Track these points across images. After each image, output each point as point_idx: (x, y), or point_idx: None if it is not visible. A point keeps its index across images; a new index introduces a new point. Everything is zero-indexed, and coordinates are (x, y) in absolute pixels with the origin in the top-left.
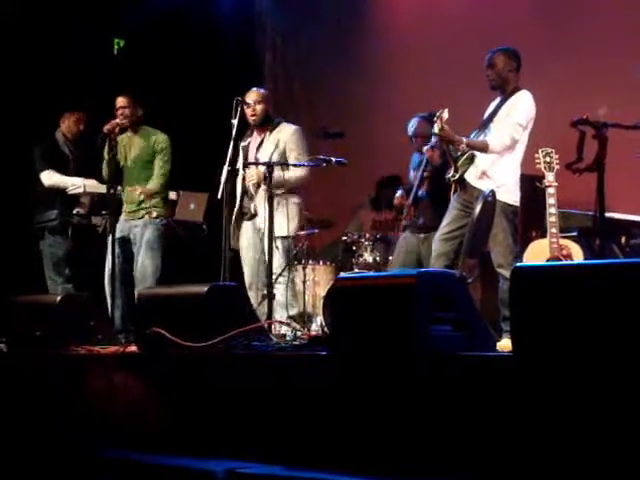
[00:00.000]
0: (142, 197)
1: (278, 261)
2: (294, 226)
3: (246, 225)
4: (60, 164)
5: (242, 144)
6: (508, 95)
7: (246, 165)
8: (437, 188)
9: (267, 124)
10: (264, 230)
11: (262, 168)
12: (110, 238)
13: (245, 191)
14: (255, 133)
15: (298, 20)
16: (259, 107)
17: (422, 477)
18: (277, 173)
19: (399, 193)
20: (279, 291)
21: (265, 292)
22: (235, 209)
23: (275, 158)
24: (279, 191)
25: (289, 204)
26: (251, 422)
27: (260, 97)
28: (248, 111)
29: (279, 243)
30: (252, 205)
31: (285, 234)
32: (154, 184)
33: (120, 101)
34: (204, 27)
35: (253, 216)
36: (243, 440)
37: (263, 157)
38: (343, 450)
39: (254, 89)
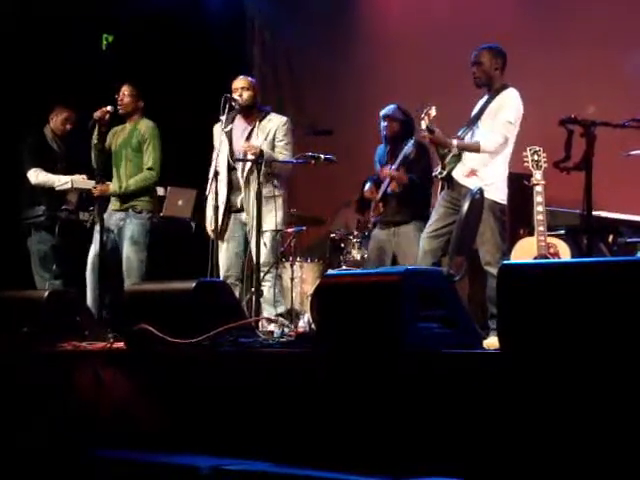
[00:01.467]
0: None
1: (266, 258)
2: (281, 219)
3: (231, 218)
4: (49, 160)
5: (223, 129)
6: (495, 93)
7: (236, 160)
8: (405, 188)
9: (255, 112)
10: (250, 225)
11: (257, 143)
12: (96, 229)
13: (231, 183)
14: (241, 120)
15: (286, 15)
16: (246, 93)
17: (408, 474)
18: (268, 151)
19: (368, 186)
20: (266, 288)
21: (241, 285)
22: (222, 200)
23: (265, 147)
24: (267, 188)
25: (276, 198)
26: (237, 419)
27: (248, 84)
28: (235, 96)
29: (267, 239)
30: (239, 199)
31: (273, 227)
32: (134, 181)
33: (123, 88)
34: (192, 23)
35: (238, 210)
36: (229, 437)
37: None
38: (329, 447)
39: (242, 76)
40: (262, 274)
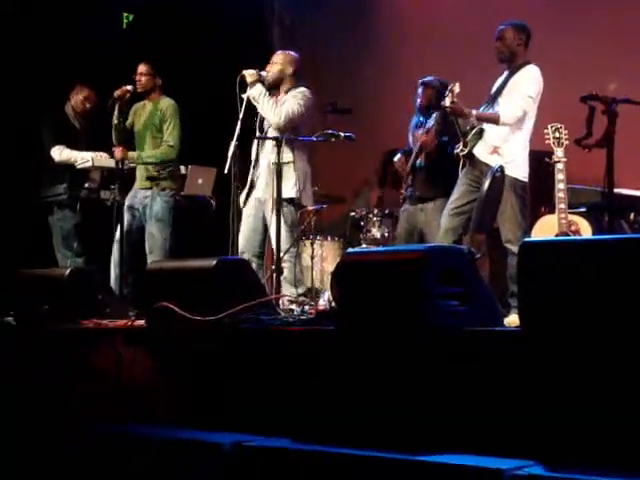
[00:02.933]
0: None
1: (284, 237)
2: (296, 187)
3: (252, 194)
4: (71, 138)
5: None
6: (516, 69)
7: (258, 138)
8: (434, 159)
9: (284, 87)
10: (263, 199)
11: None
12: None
13: (257, 159)
14: (273, 96)
15: None
16: (273, 67)
17: (428, 451)
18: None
19: (397, 157)
20: (286, 269)
21: (257, 262)
22: (249, 177)
23: None
24: (285, 153)
25: (292, 164)
26: (259, 396)
27: (277, 58)
28: (263, 71)
29: (284, 216)
30: (255, 174)
31: (286, 196)
32: (153, 154)
33: (140, 67)
34: (212, 3)
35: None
36: (251, 414)
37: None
38: (349, 424)
39: (279, 51)
40: (281, 253)
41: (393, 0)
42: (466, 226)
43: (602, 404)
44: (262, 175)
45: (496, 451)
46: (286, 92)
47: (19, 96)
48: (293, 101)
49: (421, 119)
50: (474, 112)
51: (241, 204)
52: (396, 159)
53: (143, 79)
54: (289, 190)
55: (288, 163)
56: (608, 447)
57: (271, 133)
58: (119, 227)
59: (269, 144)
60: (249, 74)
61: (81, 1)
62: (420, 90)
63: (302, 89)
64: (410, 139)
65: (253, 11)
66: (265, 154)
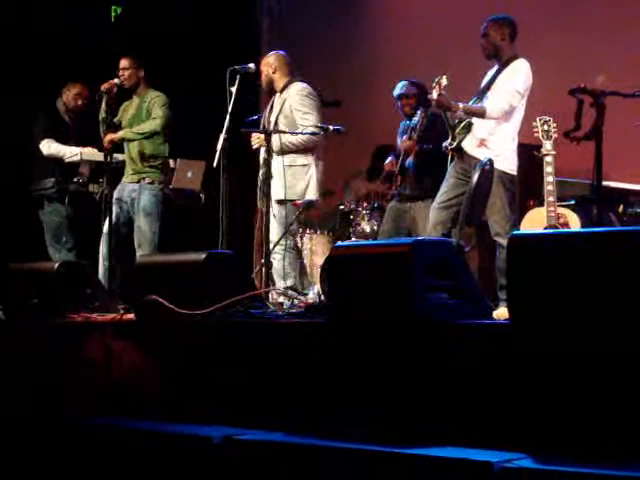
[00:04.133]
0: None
1: (275, 229)
2: (294, 190)
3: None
4: (61, 133)
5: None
6: (505, 63)
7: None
8: (423, 159)
9: (279, 85)
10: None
11: (272, 117)
12: (109, 201)
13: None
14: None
15: None
16: (263, 73)
17: (418, 444)
18: (283, 138)
19: (389, 159)
20: (275, 261)
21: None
22: (261, 172)
23: (281, 120)
24: (287, 158)
25: (290, 168)
26: (249, 390)
27: (264, 63)
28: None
29: (275, 210)
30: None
31: (279, 197)
32: (142, 126)
33: (121, 62)
34: None
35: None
36: (241, 407)
37: (272, 119)
38: (340, 417)
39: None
40: (271, 246)
41: None
42: (455, 219)
43: (591, 397)
44: (274, 176)
45: (486, 444)
46: (281, 92)
47: (10, 91)
48: (302, 112)
49: (408, 123)
50: (461, 105)
51: (258, 204)
52: (387, 161)
53: (126, 74)
54: (312, 193)
55: (305, 166)
56: (597, 439)
57: (272, 120)
58: (107, 220)
59: (274, 144)
60: (257, 141)
61: None
62: (400, 103)
63: (299, 91)
64: (398, 143)
65: (243, 2)
66: (273, 156)
